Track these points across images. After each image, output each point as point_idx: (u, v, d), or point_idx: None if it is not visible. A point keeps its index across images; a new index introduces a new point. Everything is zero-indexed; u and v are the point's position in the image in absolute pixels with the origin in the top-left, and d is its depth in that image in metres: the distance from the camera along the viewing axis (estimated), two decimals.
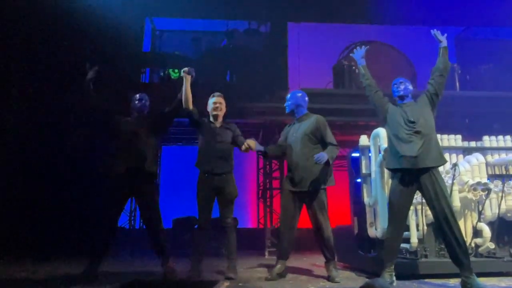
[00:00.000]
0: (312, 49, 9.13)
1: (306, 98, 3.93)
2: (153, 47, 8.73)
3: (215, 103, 3.90)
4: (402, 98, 3.53)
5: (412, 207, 4.11)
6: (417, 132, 3.28)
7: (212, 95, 3.95)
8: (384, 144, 4.11)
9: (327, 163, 3.53)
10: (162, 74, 7.66)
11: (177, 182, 7.57)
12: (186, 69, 3.65)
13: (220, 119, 3.90)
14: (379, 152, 4.22)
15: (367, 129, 5.36)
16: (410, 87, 3.51)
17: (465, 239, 3.93)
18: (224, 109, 3.94)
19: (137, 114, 3.77)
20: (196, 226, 3.77)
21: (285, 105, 3.89)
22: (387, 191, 4.05)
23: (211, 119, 3.93)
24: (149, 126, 3.72)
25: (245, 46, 7.77)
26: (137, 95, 3.83)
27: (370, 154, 4.41)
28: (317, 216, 3.66)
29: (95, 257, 3.43)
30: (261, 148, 3.82)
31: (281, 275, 3.78)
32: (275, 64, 7.46)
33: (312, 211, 3.69)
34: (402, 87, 3.54)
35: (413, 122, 3.33)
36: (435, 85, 3.39)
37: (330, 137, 3.73)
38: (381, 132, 4.22)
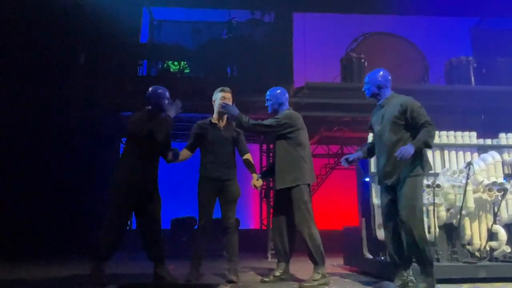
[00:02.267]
0: (318, 41, 9.20)
1: (287, 95, 3.93)
2: (151, 38, 8.74)
3: (224, 98, 3.85)
4: (375, 99, 3.47)
5: (423, 208, 4.11)
6: (382, 143, 3.27)
7: (220, 89, 3.89)
8: None
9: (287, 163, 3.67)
10: (160, 66, 7.69)
11: (176, 180, 7.68)
12: (171, 158, 3.63)
13: (225, 117, 3.89)
14: None
15: None
16: (374, 87, 3.38)
17: (479, 242, 3.94)
18: None
19: (155, 117, 3.58)
20: (196, 227, 3.79)
21: (266, 105, 3.89)
22: None
23: (215, 115, 3.91)
24: (165, 136, 3.61)
25: (248, 36, 7.80)
26: (166, 92, 3.65)
27: None
28: (293, 216, 3.64)
29: (101, 261, 3.39)
30: (263, 178, 3.99)
31: (282, 278, 3.79)
32: (279, 56, 7.45)
33: (290, 210, 3.70)
34: (364, 88, 3.51)
35: (380, 131, 3.30)
36: (413, 120, 3.19)
37: (268, 120, 3.75)
38: None
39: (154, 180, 3.60)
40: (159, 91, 3.64)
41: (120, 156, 3.52)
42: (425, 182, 4.21)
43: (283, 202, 3.76)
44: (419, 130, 3.11)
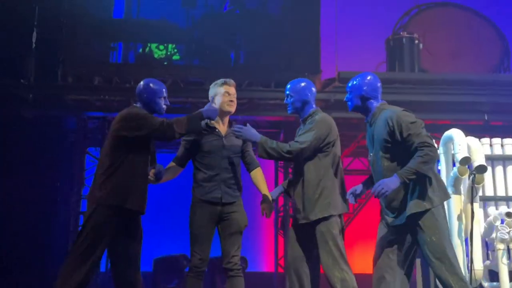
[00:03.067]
0: (355, 16, 9.15)
1: (313, 89, 3.96)
2: (128, 12, 8.69)
3: (229, 94, 3.89)
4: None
5: (502, 245, 4.12)
6: (376, 174, 3.41)
7: (222, 81, 3.93)
8: (460, 152, 4.14)
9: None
10: (140, 50, 7.75)
11: (158, 206, 7.28)
12: (152, 177, 3.72)
13: (227, 118, 3.94)
14: (453, 165, 4.23)
15: (436, 130, 5.32)
16: (357, 99, 3.51)
17: None
18: None
19: None
20: (187, 269, 3.77)
21: (285, 102, 3.94)
22: (465, 222, 4.12)
23: (214, 119, 3.91)
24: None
25: (258, 10, 7.83)
26: (163, 89, 3.75)
27: (439, 167, 4.42)
28: (320, 256, 3.63)
29: None
30: (279, 191, 4.03)
31: None
32: (301, 37, 7.46)
33: (313, 246, 3.69)
34: (345, 99, 3.63)
35: (372, 158, 3.46)
36: (404, 141, 3.28)
37: (303, 135, 3.75)
38: (456, 135, 4.23)
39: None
40: (154, 86, 3.72)
41: (109, 169, 3.55)
42: (505, 209, 4.20)
43: (303, 236, 3.77)
44: (413, 153, 3.19)
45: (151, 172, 3.70)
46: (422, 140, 3.16)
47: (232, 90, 3.91)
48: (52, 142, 7.04)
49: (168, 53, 7.86)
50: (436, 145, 3.25)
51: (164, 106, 3.73)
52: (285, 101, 3.95)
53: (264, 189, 3.92)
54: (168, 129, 3.50)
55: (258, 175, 3.96)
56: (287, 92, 3.92)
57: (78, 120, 7.51)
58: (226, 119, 3.94)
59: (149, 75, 6.13)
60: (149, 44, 7.77)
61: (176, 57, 7.91)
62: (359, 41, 8.71)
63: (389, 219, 3.34)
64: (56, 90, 7.00)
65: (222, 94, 3.87)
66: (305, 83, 3.92)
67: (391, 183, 3.13)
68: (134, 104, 3.74)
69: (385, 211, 3.39)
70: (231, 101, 3.88)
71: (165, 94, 3.75)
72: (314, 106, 3.94)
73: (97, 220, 3.46)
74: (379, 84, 3.54)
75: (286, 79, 4.14)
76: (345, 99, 3.62)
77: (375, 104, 3.49)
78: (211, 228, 3.77)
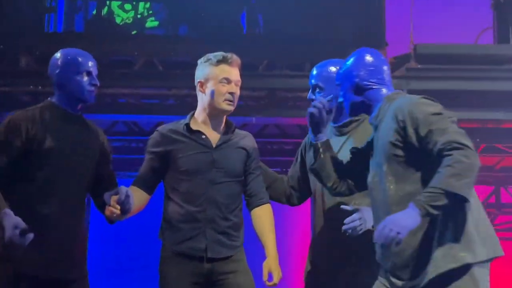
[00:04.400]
0: None
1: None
2: None
3: (228, 81, 3.68)
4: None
5: None
6: (378, 203, 3.28)
7: (218, 57, 3.73)
8: None
9: None
10: (94, 12, 7.37)
11: (109, 259, 7.91)
12: (116, 210, 3.41)
13: (223, 118, 3.80)
14: None
15: None
16: (350, 93, 3.39)
17: None
18: None
19: (69, 117, 3.64)
20: None
21: (309, 96, 3.90)
22: None
23: (201, 114, 3.76)
24: (96, 157, 3.73)
25: None
26: (89, 60, 3.66)
27: None
28: None
29: None
30: None
31: None
32: None
33: None
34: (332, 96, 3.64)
35: (373, 178, 3.37)
36: (422, 143, 3.00)
37: None
38: None
39: (82, 255, 3.74)
40: (70, 57, 3.67)
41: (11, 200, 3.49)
42: None
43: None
44: (439, 163, 2.97)
45: (113, 200, 3.40)
46: (451, 139, 2.88)
47: (235, 74, 3.76)
48: None
49: (139, 16, 7.55)
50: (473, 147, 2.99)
51: (90, 88, 3.58)
52: (309, 95, 4.07)
53: (270, 241, 3.73)
54: (61, 162, 3.49)
55: (264, 217, 3.79)
56: (312, 80, 3.98)
57: None
58: (221, 120, 3.77)
59: (108, 50, 6.40)
60: (108, 2, 7.31)
61: (151, 23, 7.62)
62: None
63: (397, 282, 3.08)
64: None
65: (217, 80, 3.72)
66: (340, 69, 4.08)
67: (405, 219, 2.80)
68: (49, 98, 3.77)
69: (389, 271, 3.16)
70: (232, 93, 3.70)
71: (90, 68, 3.61)
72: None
73: None
74: (385, 67, 3.31)
75: (328, 57, 3.97)
76: (334, 101, 3.56)
77: (381, 92, 3.28)
78: None
